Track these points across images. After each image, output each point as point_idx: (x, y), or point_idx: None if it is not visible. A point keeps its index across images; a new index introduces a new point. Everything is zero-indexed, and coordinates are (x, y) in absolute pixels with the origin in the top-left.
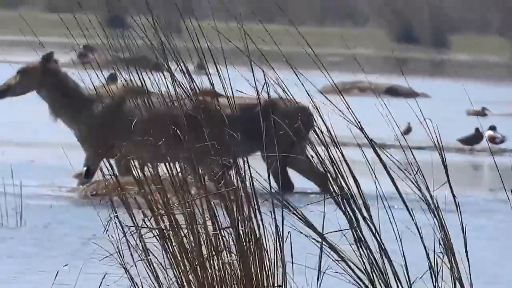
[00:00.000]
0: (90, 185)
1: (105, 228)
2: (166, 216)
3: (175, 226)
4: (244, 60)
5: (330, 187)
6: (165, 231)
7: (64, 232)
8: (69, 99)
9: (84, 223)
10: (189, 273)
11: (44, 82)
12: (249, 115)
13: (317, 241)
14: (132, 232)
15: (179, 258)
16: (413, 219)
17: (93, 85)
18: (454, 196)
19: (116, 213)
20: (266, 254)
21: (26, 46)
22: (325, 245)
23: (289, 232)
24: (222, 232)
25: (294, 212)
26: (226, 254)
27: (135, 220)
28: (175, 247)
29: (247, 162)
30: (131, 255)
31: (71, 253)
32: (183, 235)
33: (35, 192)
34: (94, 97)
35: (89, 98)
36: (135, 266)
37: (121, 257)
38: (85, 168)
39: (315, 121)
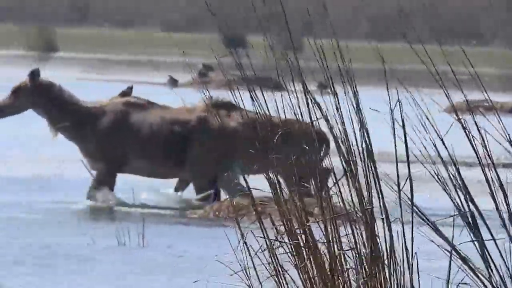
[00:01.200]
0: (213, 205)
1: (235, 246)
2: (300, 233)
3: (310, 243)
4: (364, 79)
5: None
6: (300, 248)
7: (187, 251)
8: (67, 114)
9: (207, 242)
10: None
11: (37, 98)
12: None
13: (447, 252)
14: (262, 250)
15: (311, 275)
16: None
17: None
18: None
19: (241, 232)
20: (395, 273)
21: (143, 66)
22: (455, 256)
23: (418, 248)
24: (352, 251)
25: (429, 224)
26: (355, 272)
27: (267, 237)
28: (309, 265)
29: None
30: (257, 274)
31: (196, 271)
32: (318, 252)
33: (154, 211)
34: (97, 110)
35: (91, 112)
36: (261, 285)
37: (247, 276)
38: (209, 192)
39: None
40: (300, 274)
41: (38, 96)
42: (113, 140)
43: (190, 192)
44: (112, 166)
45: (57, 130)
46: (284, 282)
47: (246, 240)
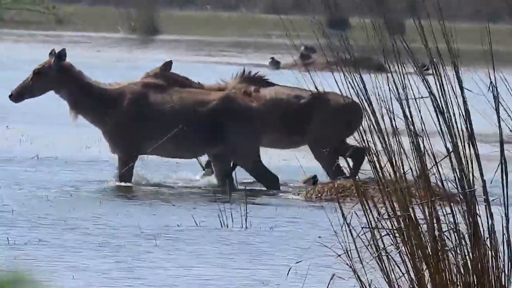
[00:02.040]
0: (315, 187)
1: (337, 228)
2: (402, 215)
3: (412, 224)
4: (465, 60)
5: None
6: (402, 229)
7: (289, 231)
8: (89, 97)
9: (309, 224)
10: (425, 272)
11: (61, 81)
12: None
13: None
14: (364, 232)
15: (413, 256)
16: None
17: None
18: None
19: (343, 214)
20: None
21: (246, 48)
22: None
23: None
24: (453, 232)
25: None
26: (457, 255)
27: (369, 219)
28: (411, 246)
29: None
30: (359, 256)
31: (299, 253)
32: (420, 233)
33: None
34: (117, 92)
35: (110, 93)
36: (363, 267)
37: (349, 257)
38: (312, 176)
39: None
40: (402, 255)
41: (60, 78)
42: (133, 122)
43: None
44: (132, 148)
45: (77, 113)
46: (386, 263)
47: (348, 222)
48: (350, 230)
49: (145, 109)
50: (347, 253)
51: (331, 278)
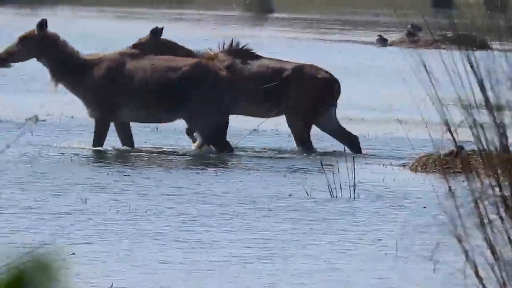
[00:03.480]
0: (420, 158)
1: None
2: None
3: None
4: None
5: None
6: (506, 199)
7: (396, 203)
8: (69, 65)
9: (417, 194)
10: None
11: (43, 49)
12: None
13: None
14: (468, 202)
15: None
16: None
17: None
18: None
19: (448, 184)
20: None
21: (354, 25)
22: None
23: None
24: None
25: None
26: None
27: (473, 189)
28: None
29: None
30: (463, 225)
31: (403, 223)
32: None
33: (367, 165)
34: (94, 61)
35: (89, 62)
36: (466, 236)
37: (454, 226)
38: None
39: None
40: (506, 224)
41: (43, 46)
42: (108, 88)
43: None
44: (106, 113)
45: (58, 81)
46: (490, 233)
47: (452, 192)
48: (454, 200)
49: (119, 75)
50: (452, 221)
51: (436, 246)
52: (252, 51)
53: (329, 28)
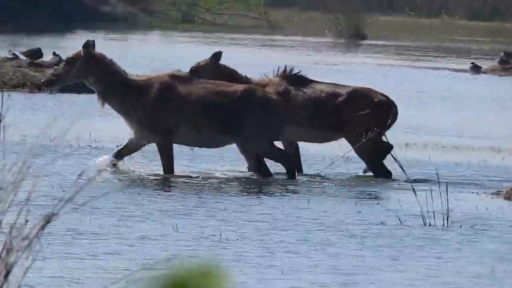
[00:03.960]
0: None
1: None
2: None
3: None
4: None
5: None
6: None
7: (489, 231)
8: (116, 86)
9: (510, 224)
10: None
11: (90, 69)
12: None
13: None
14: None
15: None
16: None
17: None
18: None
19: None
20: None
21: (447, 52)
22: None
23: None
24: None
25: None
26: None
27: None
28: None
29: None
30: None
31: (495, 252)
32: None
33: (463, 195)
34: (142, 82)
35: (137, 83)
36: None
37: None
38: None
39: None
40: None
41: (90, 66)
42: (157, 110)
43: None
44: (164, 135)
45: (104, 101)
46: None
47: None
48: None
49: (168, 98)
50: None
51: None
52: (306, 76)
53: (422, 55)
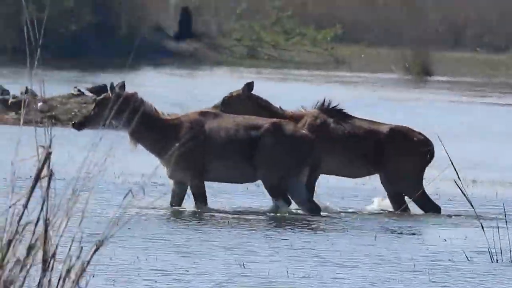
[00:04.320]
0: None
1: None
2: None
3: None
4: None
5: None
6: None
7: None
8: (148, 125)
9: None
10: None
11: (121, 110)
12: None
13: None
14: None
15: None
16: None
17: None
18: None
19: None
20: None
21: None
22: None
23: None
24: None
25: None
26: None
27: None
28: None
29: None
30: None
31: None
32: None
33: None
34: (174, 120)
35: (169, 122)
36: None
37: None
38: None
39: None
40: None
41: (121, 107)
42: (189, 148)
43: None
44: (200, 173)
45: (136, 141)
46: None
47: None
48: None
49: (200, 135)
50: None
51: None
52: (344, 110)
53: (489, 91)
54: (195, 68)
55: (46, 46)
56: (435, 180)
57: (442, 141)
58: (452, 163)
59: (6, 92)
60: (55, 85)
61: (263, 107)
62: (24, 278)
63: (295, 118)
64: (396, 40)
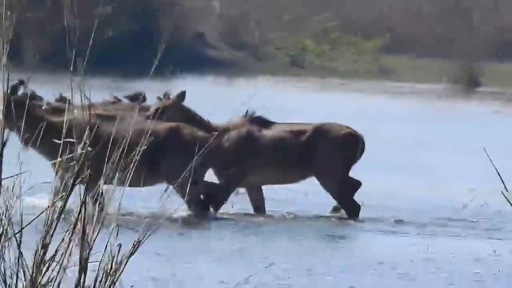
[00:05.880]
0: None
1: None
2: None
3: None
4: None
5: None
6: None
7: None
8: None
9: None
10: None
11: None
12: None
13: None
14: None
15: None
16: None
17: None
18: None
19: None
20: None
21: None
22: None
23: None
24: None
25: None
26: None
27: None
28: None
29: None
30: None
31: None
32: None
33: None
34: (221, 128)
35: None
36: None
37: None
38: None
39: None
40: None
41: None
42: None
43: None
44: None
45: None
46: None
47: None
48: None
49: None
50: None
51: None
52: (265, 118)
53: None
54: (237, 77)
55: (84, 52)
56: (481, 193)
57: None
58: (499, 175)
59: (39, 98)
60: (93, 93)
61: (192, 117)
62: (61, 279)
63: (222, 129)
64: (445, 50)
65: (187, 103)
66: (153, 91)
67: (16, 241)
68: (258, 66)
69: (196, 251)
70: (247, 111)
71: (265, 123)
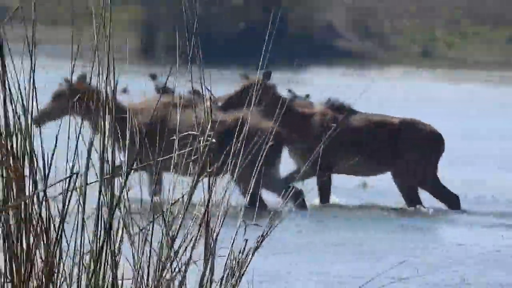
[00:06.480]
0: None
1: None
2: None
3: None
4: None
5: None
6: None
7: None
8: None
9: None
10: None
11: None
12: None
13: None
14: None
15: None
16: None
17: None
18: None
19: None
20: None
21: None
22: None
23: None
24: None
25: None
26: None
27: None
28: None
29: None
30: None
31: None
32: None
33: None
34: (307, 113)
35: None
36: None
37: None
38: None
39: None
40: None
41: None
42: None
43: None
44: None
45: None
46: None
47: None
48: None
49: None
50: None
51: None
52: (350, 106)
53: None
54: (365, 68)
55: (212, 44)
56: None
57: None
58: None
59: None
60: (220, 85)
61: (277, 100)
62: (184, 276)
63: (306, 115)
64: None
65: (317, 94)
66: (282, 83)
67: (145, 235)
68: (388, 57)
69: (311, 245)
70: (329, 99)
71: (349, 111)
